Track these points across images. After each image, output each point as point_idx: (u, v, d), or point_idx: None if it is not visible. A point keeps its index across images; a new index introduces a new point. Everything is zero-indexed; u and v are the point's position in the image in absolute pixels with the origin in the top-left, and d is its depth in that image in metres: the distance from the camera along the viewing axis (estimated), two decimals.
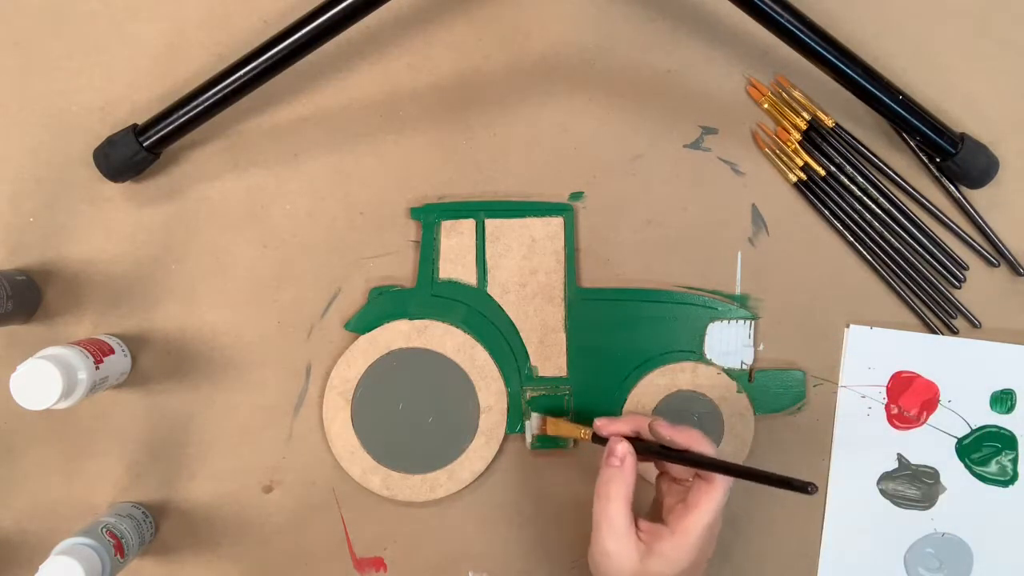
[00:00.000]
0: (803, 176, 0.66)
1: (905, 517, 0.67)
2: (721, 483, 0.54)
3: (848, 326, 0.67)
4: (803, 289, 0.67)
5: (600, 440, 0.59)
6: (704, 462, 0.54)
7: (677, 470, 0.57)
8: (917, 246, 0.66)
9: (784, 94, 0.66)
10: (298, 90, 0.65)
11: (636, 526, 0.54)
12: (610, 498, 0.54)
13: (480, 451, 0.65)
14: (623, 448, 0.56)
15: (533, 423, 0.65)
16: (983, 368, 0.66)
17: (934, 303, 0.66)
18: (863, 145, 0.66)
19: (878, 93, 0.61)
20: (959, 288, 0.66)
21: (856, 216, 0.66)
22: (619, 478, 0.55)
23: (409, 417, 0.65)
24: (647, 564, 0.53)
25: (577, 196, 0.66)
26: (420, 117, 0.66)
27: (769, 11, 0.58)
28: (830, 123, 0.65)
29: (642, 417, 0.57)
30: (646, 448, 0.56)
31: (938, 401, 0.66)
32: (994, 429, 0.66)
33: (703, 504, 0.53)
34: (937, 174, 0.66)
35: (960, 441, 0.66)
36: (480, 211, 0.65)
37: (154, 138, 0.61)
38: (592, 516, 0.55)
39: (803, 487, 0.49)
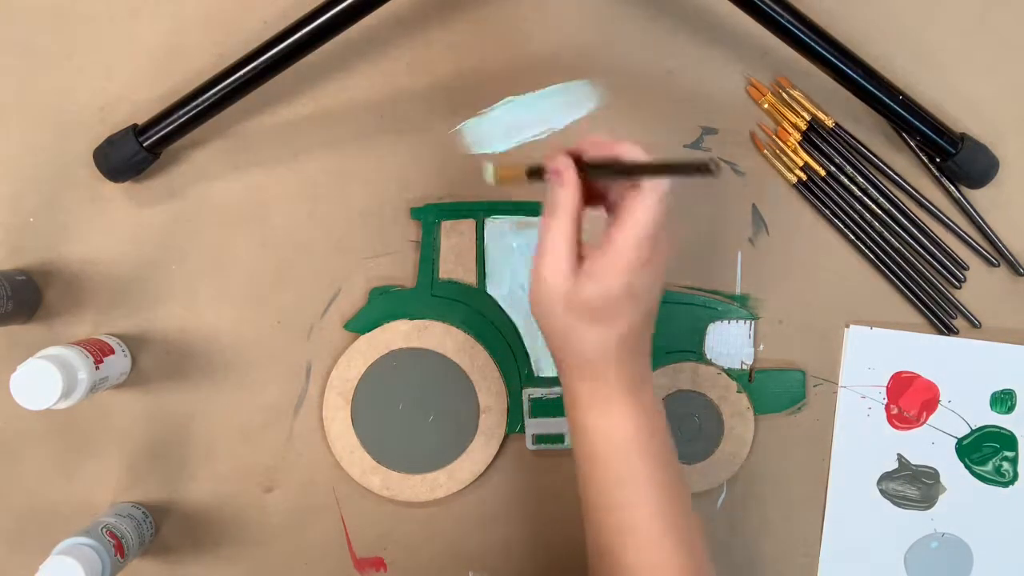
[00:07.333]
0: (803, 176, 0.66)
1: (905, 517, 0.67)
2: (649, 190, 0.47)
3: (848, 326, 0.67)
4: (803, 289, 0.66)
5: (534, 174, 0.52)
6: (619, 168, 0.48)
7: (612, 192, 0.51)
8: (917, 246, 0.66)
9: (784, 94, 0.66)
10: (298, 90, 0.65)
11: (579, 254, 0.49)
12: (552, 214, 0.49)
13: (480, 451, 0.65)
14: (563, 160, 0.49)
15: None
16: (983, 368, 0.66)
17: (934, 303, 0.66)
18: (863, 145, 0.66)
19: (878, 93, 0.61)
20: (959, 288, 0.66)
21: (856, 216, 0.66)
22: (560, 193, 0.49)
23: (409, 417, 0.65)
24: (577, 286, 0.48)
25: None
26: (420, 117, 0.66)
27: (769, 11, 0.59)
28: (830, 123, 0.65)
29: (586, 141, 0.51)
30: (581, 169, 0.50)
31: (938, 401, 0.66)
32: (994, 429, 0.66)
33: (633, 213, 0.47)
34: (937, 174, 0.66)
35: (960, 441, 0.66)
36: (480, 211, 0.65)
37: (154, 138, 0.61)
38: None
39: (704, 166, 0.42)
